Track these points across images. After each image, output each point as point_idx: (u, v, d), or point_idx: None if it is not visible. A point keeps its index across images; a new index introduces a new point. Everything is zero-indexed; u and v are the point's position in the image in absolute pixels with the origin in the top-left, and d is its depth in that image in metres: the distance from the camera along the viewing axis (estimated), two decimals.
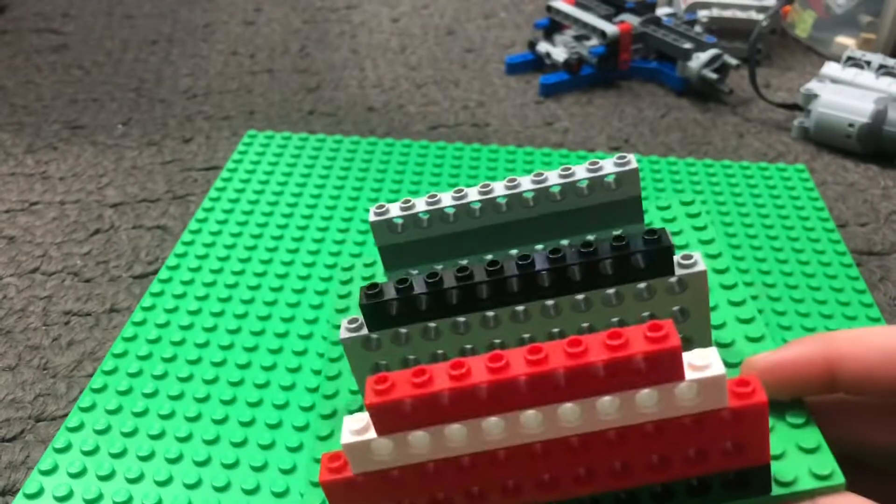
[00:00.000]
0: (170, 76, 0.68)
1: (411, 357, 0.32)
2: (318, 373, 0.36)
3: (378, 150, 0.55)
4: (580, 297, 0.29)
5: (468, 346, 0.32)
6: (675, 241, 0.35)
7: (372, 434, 0.22)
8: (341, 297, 0.37)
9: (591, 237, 0.32)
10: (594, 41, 0.67)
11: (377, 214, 0.33)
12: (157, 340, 0.38)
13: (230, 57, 0.71)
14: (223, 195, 0.49)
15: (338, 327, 0.35)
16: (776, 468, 0.24)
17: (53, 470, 0.32)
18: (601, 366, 0.20)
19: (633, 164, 0.32)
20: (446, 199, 0.33)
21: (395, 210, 0.33)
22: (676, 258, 0.28)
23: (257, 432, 0.34)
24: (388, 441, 0.22)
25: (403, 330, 0.31)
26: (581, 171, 0.32)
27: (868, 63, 0.60)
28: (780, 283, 0.44)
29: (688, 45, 0.63)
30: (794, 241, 0.47)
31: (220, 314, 0.40)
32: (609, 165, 0.32)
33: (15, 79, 0.67)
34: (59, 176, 0.54)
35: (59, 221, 0.49)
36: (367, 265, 0.40)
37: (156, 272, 0.44)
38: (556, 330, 0.30)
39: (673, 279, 0.29)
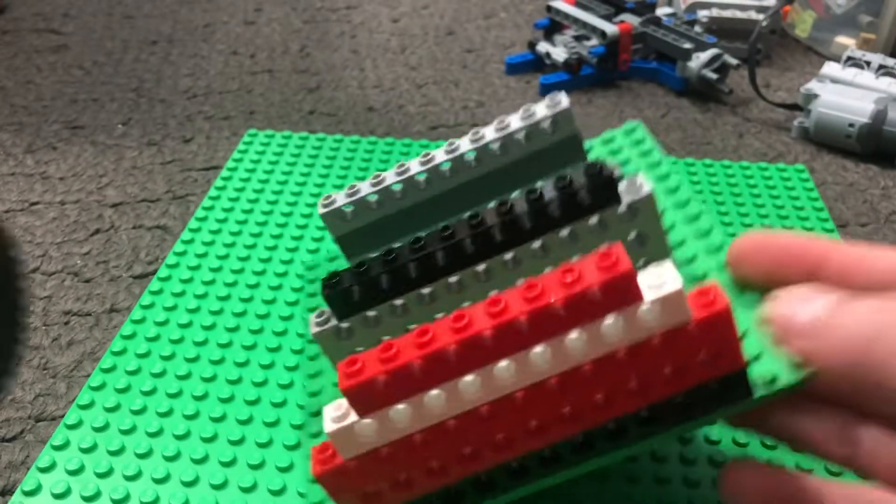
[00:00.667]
0: (170, 76, 0.68)
1: (385, 338, 0.31)
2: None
3: (378, 149, 0.55)
4: (536, 244, 0.28)
5: (438, 315, 0.31)
6: (626, 170, 0.35)
7: (353, 417, 0.22)
8: (311, 295, 0.37)
9: (537, 184, 0.30)
10: (594, 41, 0.67)
11: (325, 206, 0.33)
12: (156, 338, 0.38)
13: (230, 57, 0.71)
14: (223, 193, 0.49)
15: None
16: (756, 370, 0.23)
17: (51, 467, 0.32)
18: (560, 305, 0.20)
19: (565, 103, 0.31)
20: (390, 177, 0.32)
21: (341, 199, 0.33)
22: (621, 186, 0.28)
23: (254, 430, 0.34)
24: (370, 421, 0.22)
25: (371, 313, 0.30)
26: (515, 121, 0.31)
27: (868, 63, 0.60)
28: None
29: (688, 45, 0.63)
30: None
31: (219, 312, 0.40)
32: (541, 109, 0.31)
33: (15, 79, 0.67)
34: (59, 176, 0.54)
35: (59, 221, 0.49)
36: (330, 260, 0.39)
37: (156, 272, 0.44)
38: (521, 281, 0.29)
39: (622, 208, 0.28)
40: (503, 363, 0.21)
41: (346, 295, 0.29)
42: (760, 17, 0.68)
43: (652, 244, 0.29)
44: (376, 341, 0.32)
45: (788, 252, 0.24)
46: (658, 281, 0.21)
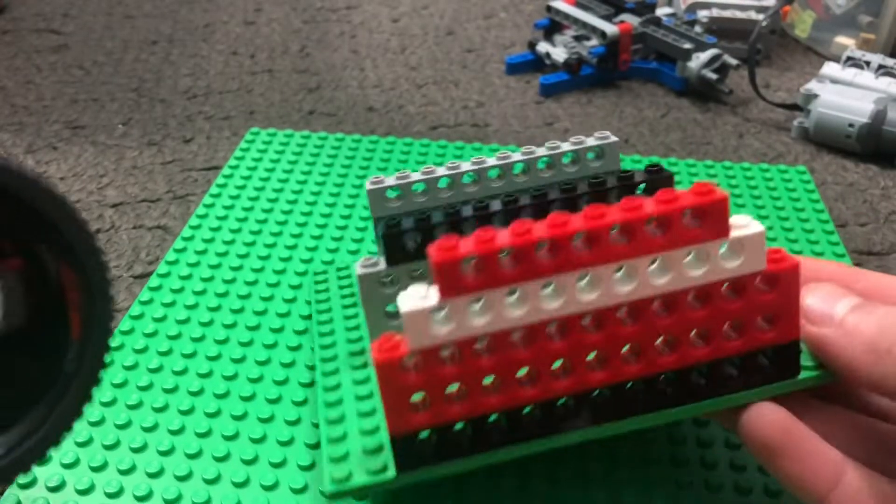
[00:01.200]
0: (170, 76, 0.68)
1: None
2: (311, 368, 0.36)
3: (379, 148, 0.55)
4: None
5: None
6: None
7: (433, 302, 0.21)
8: (321, 301, 0.37)
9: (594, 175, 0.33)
10: (594, 41, 0.67)
11: (373, 184, 0.34)
12: (153, 334, 0.38)
13: (230, 57, 0.71)
14: (224, 192, 0.50)
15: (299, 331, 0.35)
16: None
17: (46, 461, 0.32)
18: (654, 217, 0.21)
19: (614, 139, 0.34)
20: (440, 171, 0.34)
21: (390, 181, 0.34)
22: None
23: (249, 426, 0.34)
24: (447, 310, 0.22)
25: (417, 267, 0.31)
26: (566, 146, 0.34)
27: (868, 63, 0.60)
28: None
29: (688, 46, 0.63)
30: (792, 244, 0.47)
31: (216, 309, 0.40)
32: (591, 140, 0.34)
33: (15, 79, 0.67)
34: (59, 176, 0.54)
35: None
36: (340, 269, 0.40)
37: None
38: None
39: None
40: (585, 280, 0.22)
41: (402, 240, 0.30)
42: (760, 17, 0.68)
43: None
44: None
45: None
46: (744, 222, 0.22)
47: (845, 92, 0.57)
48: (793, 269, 0.23)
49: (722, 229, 0.22)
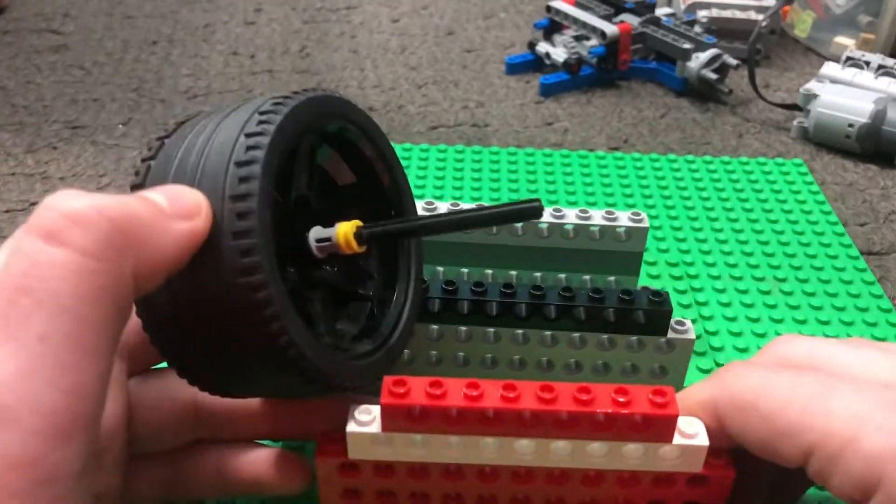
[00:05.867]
0: (170, 76, 0.68)
1: (433, 353, 0.33)
2: None
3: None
4: (576, 334, 0.32)
5: (461, 354, 0.33)
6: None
7: (375, 429, 0.23)
8: None
9: (600, 284, 0.35)
10: (594, 41, 0.67)
11: None
12: None
13: (230, 57, 0.71)
14: None
15: None
16: None
17: None
18: (603, 415, 0.22)
19: (645, 224, 0.35)
20: (466, 209, 0.35)
21: (417, 208, 0.35)
22: (672, 322, 0.31)
23: None
24: (389, 438, 0.23)
25: (435, 327, 0.32)
26: (597, 217, 0.35)
27: (867, 63, 0.60)
28: (791, 277, 0.44)
29: (687, 45, 0.63)
30: (799, 235, 0.47)
31: None
32: (623, 218, 0.35)
33: (15, 79, 0.67)
34: (59, 176, 0.54)
35: None
36: None
37: None
38: (544, 359, 0.33)
39: (663, 340, 0.31)
40: (527, 442, 0.23)
41: (425, 304, 0.31)
42: (760, 17, 0.68)
43: (670, 377, 0.32)
44: (425, 354, 0.34)
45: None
46: (692, 430, 0.23)
47: (845, 92, 0.57)
48: (729, 478, 0.23)
49: (667, 436, 0.22)
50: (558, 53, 0.66)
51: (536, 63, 0.69)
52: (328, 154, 0.28)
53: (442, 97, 0.65)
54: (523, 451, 0.23)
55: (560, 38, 0.69)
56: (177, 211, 0.20)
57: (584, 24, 0.66)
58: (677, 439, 0.22)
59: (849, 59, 0.61)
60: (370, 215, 0.26)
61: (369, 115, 0.28)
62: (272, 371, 0.23)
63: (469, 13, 0.82)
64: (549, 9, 0.68)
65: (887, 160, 0.56)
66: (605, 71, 0.66)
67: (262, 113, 0.22)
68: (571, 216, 0.35)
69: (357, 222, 0.24)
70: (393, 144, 0.55)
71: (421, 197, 0.50)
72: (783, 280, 0.44)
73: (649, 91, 0.66)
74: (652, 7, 0.69)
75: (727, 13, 0.69)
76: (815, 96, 0.58)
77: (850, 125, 0.56)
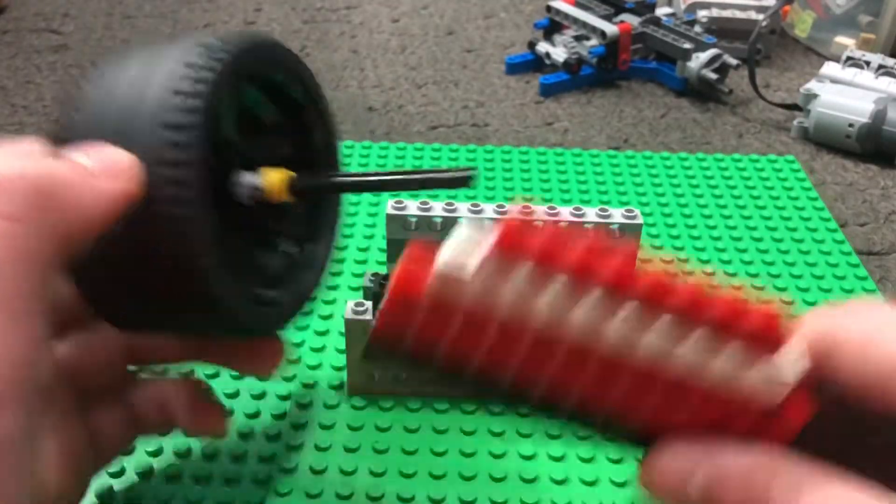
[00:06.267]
0: None
1: None
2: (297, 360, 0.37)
3: (373, 153, 0.55)
4: None
5: None
6: None
7: (475, 259, 0.20)
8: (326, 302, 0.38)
9: None
10: (594, 41, 0.67)
11: (394, 209, 0.36)
12: None
13: None
14: None
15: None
16: None
17: None
18: (715, 314, 0.20)
19: (639, 220, 0.35)
20: (462, 210, 0.35)
21: (412, 208, 0.35)
22: None
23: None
24: (484, 272, 0.20)
25: None
26: (591, 214, 0.35)
27: (867, 63, 0.60)
28: (785, 273, 0.44)
29: (687, 45, 0.63)
30: (792, 232, 0.48)
31: None
32: (617, 215, 0.35)
33: (15, 79, 0.67)
34: None
35: None
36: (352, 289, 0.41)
37: None
38: None
39: None
40: (620, 318, 0.21)
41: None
42: (760, 17, 0.68)
43: None
44: None
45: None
46: (786, 361, 0.21)
47: (845, 92, 0.57)
48: (794, 426, 0.22)
49: (767, 355, 0.21)
50: (558, 53, 0.66)
51: (536, 63, 0.69)
52: (255, 95, 0.27)
53: (442, 97, 0.65)
54: (617, 328, 0.21)
55: (560, 38, 0.69)
56: (103, 171, 0.20)
57: (584, 24, 0.66)
58: (773, 362, 0.21)
59: (849, 58, 0.61)
60: (296, 164, 0.26)
61: (303, 61, 0.27)
62: (193, 312, 0.23)
63: (469, 13, 0.82)
64: (549, 9, 0.68)
65: (887, 160, 0.56)
66: (605, 71, 0.66)
67: (204, 49, 0.22)
68: (566, 213, 0.34)
69: (289, 172, 0.24)
70: (393, 144, 0.56)
71: (416, 197, 0.50)
72: (777, 276, 0.44)
73: (649, 91, 0.66)
74: (652, 7, 0.69)
75: (727, 13, 0.69)
76: (815, 96, 0.58)
77: (851, 125, 0.56)
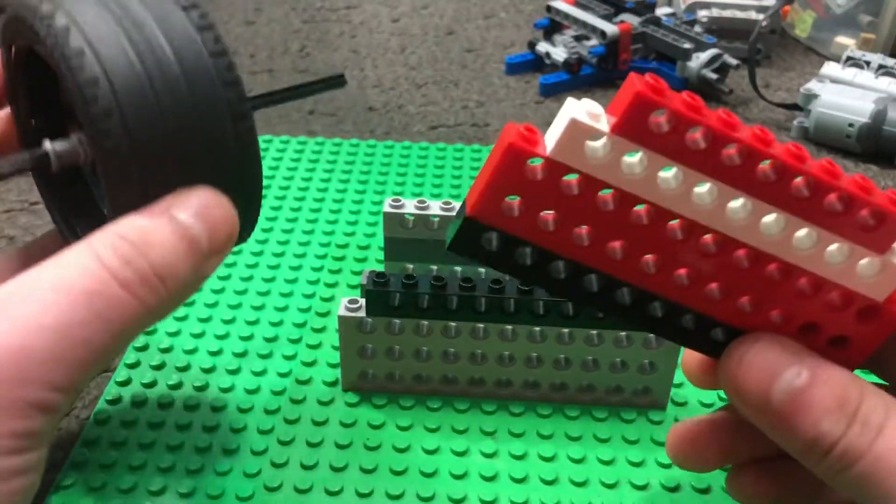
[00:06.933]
0: None
1: (397, 347, 0.34)
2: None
3: (378, 152, 0.54)
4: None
5: (451, 350, 0.34)
6: None
7: (603, 126, 0.19)
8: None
9: None
10: (594, 41, 0.67)
11: (392, 207, 0.36)
12: (153, 332, 0.38)
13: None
14: None
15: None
16: None
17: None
18: (842, 191, 0.19)
19: None
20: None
21: (409, 207, 0.35)
22: None
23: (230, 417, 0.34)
24: (609, 143, 0.19)
25: (397, 321, 0.33)
26: None
27: (868, 63, 0.60)
28: None
29: (688, 45, 0.63)
30: None
31: (231, 321, 0.40)
32: None
33: None
34: None
35: None
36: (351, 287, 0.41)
37: None
38: (534, 354, 0.34)
39: (651, 335, 0.32)
40: (740, 202, 0.20)
41: (384, 297, 0.32)
42: (760, 17, 0.68)
43: (659, 374, 0.33)
44: (386, 347, 0.34)
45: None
46: None
47: (845, 92, 0.58)
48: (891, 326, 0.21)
49: (884, 245, 0.20)
50: (558, 53, 0.66)
51: (536, 63, 0.69)
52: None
53: (442, 97, 0.65)
54: (738, 210, 0.20)
55: (560, 38, 0.69)
56: (213, 248, 0.22)
57: (584, 24, 0.66)
58: (885, 257, 0.20)
59: (849, 58, 0.61)
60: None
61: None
62: None
63: (469, 13, 0.82)
64: (549, 9, 0.68)
65: (888, 160, 0.56)
66: (605, 71, 0.66)
67: None
68: None
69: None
70: (392, 144, 0.56)
71: (419, 195, 0.50)
72: None
73: None
74: (652, 7, 0.69)
75: (727, 13, 0.69)
76: (815, 96, 0.58)
77: (851, 125, 0.56)
